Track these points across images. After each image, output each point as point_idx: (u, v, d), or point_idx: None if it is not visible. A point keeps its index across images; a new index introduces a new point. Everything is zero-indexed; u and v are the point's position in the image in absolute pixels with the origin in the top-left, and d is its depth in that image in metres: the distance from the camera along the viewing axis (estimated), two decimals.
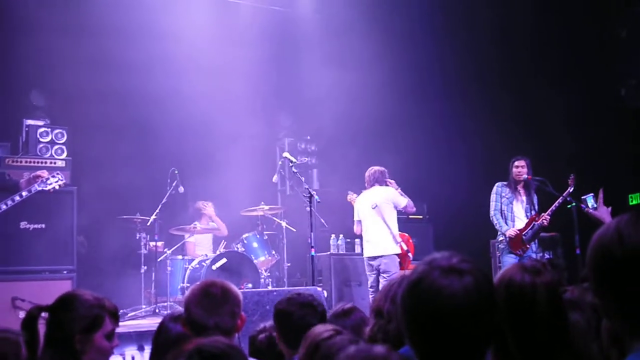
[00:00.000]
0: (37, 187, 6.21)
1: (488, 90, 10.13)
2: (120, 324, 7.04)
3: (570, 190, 7.70)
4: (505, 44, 9.83)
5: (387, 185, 8.28)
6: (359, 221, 8.25)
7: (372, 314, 2.75)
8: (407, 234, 8.39)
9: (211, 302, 2.89)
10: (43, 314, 2.71)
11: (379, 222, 8.06)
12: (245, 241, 8.93)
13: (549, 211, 7.81)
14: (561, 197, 7.73)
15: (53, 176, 6.30)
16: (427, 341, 1.65)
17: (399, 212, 8.38)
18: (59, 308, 2.75)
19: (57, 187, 6.35)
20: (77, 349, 2.68)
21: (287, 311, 3.22)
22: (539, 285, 2.03)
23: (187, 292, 3.05)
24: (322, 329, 2.48)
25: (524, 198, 8.00)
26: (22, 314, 6.81)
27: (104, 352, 2.76)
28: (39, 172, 6.41)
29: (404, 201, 8.19)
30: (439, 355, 1.64)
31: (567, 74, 9.49)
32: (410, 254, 8.17)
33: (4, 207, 6.06)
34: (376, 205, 8.09)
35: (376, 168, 8.36)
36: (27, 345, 2.59)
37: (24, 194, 6.15)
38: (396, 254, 7.96)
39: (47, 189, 6.27)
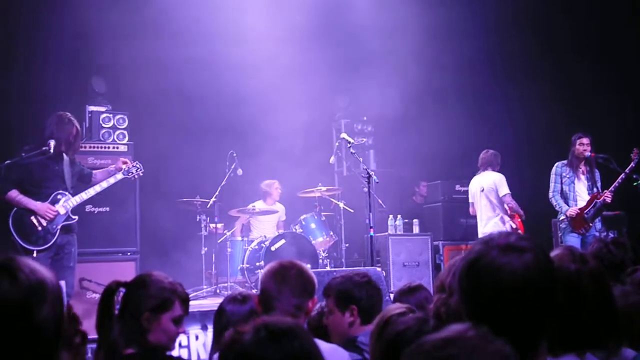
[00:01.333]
0: (121, 176, 6.56)
1: (546, 66, 9.89)
2: None
3: (633, 165, 7.50)
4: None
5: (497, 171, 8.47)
6: (472, 203, 8.59)
7: (435, 289, 2.75)
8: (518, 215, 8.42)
9: (283, 279, 2.96)
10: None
11: (487, 206, 8.31)
12: (303, 222, 8.99)
13: (611, 188, 7.65)
14: (623, 173, 7.55)
15: (134, 166, 6.67)
16: (486, 320, 1.62)
17: (459, 192, 8.49)
18: (134, 285, 2.86)
19: (136, 177, 6.77)
20: (145, 327, 2.76)
21: (349, 286, 3.22)
22: (585, 272, 2.00)
23: (265, 268, 3.11)
24: (395, 306, 2.50)
25: (586, 176, 7.83)
26: (89, 294, 7.05)
27: (169, 335, 2.83)
28: (121, 160, 6.71)
29: (504, 191, 8.26)
30: (498, 334, 1.63)
31: (625, 46, 9.21)
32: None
33: (92, 192, 6.40)
34: (483, 189, 8.34)
35: (491, 151, 8.54)
36: (101, 315, 2.70)
37: (112, 180, 6.51)
38: None
39: (129, 177, 6.64)
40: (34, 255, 6.01)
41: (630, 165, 7.54)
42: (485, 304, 1.66)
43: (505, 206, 8.23)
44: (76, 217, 6.31)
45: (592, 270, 2.04)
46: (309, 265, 8.16)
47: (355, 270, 3.55)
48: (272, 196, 9.62)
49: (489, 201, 8.28)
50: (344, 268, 8.18)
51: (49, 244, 6.10)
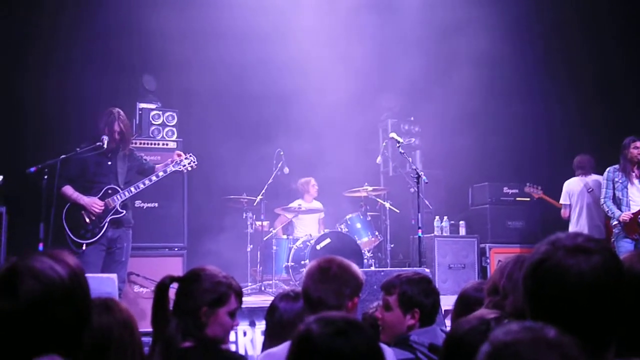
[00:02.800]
0: (172, 168, 6.58)
1: (596, 68, 9.67)
2: None
3: None
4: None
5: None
6: (565, 205, 8.59)
7: (487, 292, 2.72)
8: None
9: (321, 276, 2.95)
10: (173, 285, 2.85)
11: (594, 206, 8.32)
12: (348, 222, 8.98)
13: None
14: None
15: (186, 157, 6.66)
16: (551, 322, 1.60)
17: (507, 194, 8.47)
18: (189, 280, 2.89)
19: (189, 169, 6.72)
20: (202, 321, 2.79)
21: (414, 290, 3.22)
22: None
23: (310, 262, 3.12)
24: (486, 312, 2.47)
25: (639, 180, 7.65)
26: (137, 288, 7.17)
27: (226, 327, 2.86)
28: (176, 153, 6.79)
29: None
30: (570, 329, 1.60)
31: None
32: None
33: (141, 186, 6.46)
34: (592, 189, 8.35)
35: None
36: (156, 309, 2.73)
37: (161, 174, 6.55)
38: None
39: (180, 169, 6.63)
40: (83, 248, 6.16)
41: None
42: (551, 305, 1.64)
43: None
44: (124, 212, 6.39)
45: None
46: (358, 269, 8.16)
47: (416, 271, 3.52)
48: (310, 193, 9.64)
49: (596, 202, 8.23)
50: (389, 268, 8.15)
51: (97, 237, 6.23)
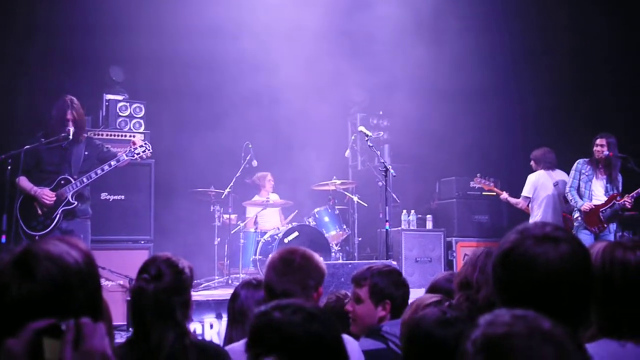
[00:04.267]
0: (125, 157, 6.34)
1: (575, 64, 9.80)
2: (196, 293, 7.25)
3: None
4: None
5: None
6: (527, 198, 8.53)
7: (457, 286, 2.74)
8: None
9: (285, 268, 2.93)
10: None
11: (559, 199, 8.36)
12: (316, 215, 9.00)
13: (633, 193, 7.54)
14: None
15: (141, 146, 6.42)
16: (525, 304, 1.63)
17: (473, 189, 8.58)
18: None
19: (143, 157, 6.46)
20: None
21: (385, 282, 3.22)
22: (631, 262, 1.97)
23: (271, 255, 3.10)
24: (429, 296, 2.50)
25: (605, 176, 7.77)
26: (102, 282, 7.08)
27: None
28: (133, 140, 6.61)
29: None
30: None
31: None
32: None
33: (93, 175, 6.26)
34: (557, 183, 8.37)
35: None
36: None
37: (113, 163, 6.30)
38: None
39: (134, 157, 6.41)
40: (36, 240, 6.05)
41: None
42: (520, 292, 1.68)
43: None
44: (75, 203, 6.22)
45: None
46: (320, 259, 8.20)
47: (386, 263, 3.52)
48: (266, 188, 9.59)
49: (561, 197, 8.33)
50: (356, 261, 8.18)
51: (48, 229, 6.12)
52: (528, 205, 8.51)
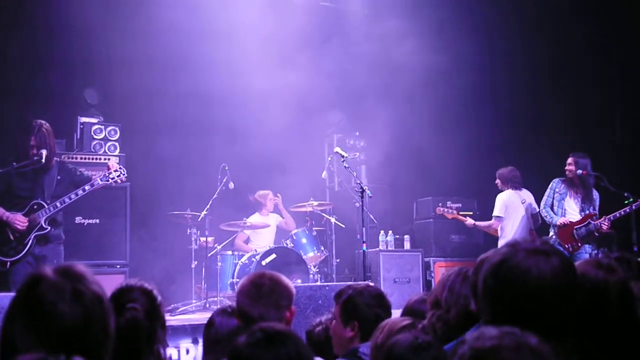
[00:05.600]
0: (99, 181, 6.26)
1: (553, 87, 9.95)
2: (173, 317, 7.18)
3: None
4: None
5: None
6: (500, 217, 8.39)
7: (429, 305, 2.73)
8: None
9: (257, 293, 2.95)
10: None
11: (529, 220, 8.37)
12: (294, 237, 8.97)
13: (611, 216, 7.60)
14: (628, 208, 7.47)
15: (115, 170, 6.34)
16: (510, 321, 1.62)
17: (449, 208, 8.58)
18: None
19: (118, 181, 6.38)
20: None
21: (357, 302, 3.19)
22: (613, 283, 1.99)
23: (240, 281, 3.09)
24: (401, 319, 2.49)
25: (580, 195, 7.83)
26: None
27: None
28: (108, 164, 6.51)
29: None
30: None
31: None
32: None
33: (67, 200, 6.16)
34: (525, 201, 8.39)
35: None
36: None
37: (87, 187, 6.21)
38: None
39: (109, 182, 6.32)
40: (7, 266, 5.94)
41: (638, 202, 7.48)
42: (511, 303, 1.69)
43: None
44: (48, 228, 6.13)
45: (619, 280, 2.04)
46: (299, 281, 8.18)
47: (368, 284, 3.50)
48: (267, 207, 9.59)
49: (529, 216, 8.35)
50: (334, 283, 8.15)
51: (20, 255, 6.00)
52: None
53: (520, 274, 1.70)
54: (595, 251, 7.98)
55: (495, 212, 8.40)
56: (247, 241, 9.48)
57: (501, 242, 8.18)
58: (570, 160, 7.81)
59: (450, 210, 8.71)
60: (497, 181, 8.55)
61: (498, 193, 8.57)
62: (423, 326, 2.40)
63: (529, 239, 1.80)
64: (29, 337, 1.55)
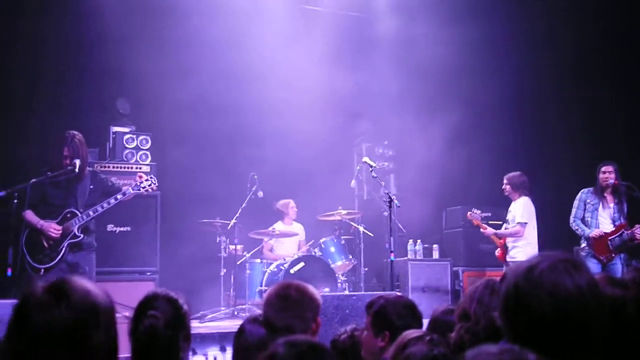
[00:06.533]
0: (131, 191, 6.42)
1: (575, 94, 9.84)
2: (201, 325, 7.24)
3: None
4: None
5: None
6: (526, 224, 8.10)
7: (457, 317, 2.73)
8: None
9: (283, 304, 2.96)
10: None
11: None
12: (322, 245, 8.99)
13: None
14: None
15: (147, 179, 6.51)
16: (534, 341, 1.59)
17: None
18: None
19: (149, 190, 6.54)
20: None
21: (389, 312, 3.20)
22: (629, 299, 1.95)
23: (266, 291, 3.11)
24: (412, 332, 2.50)
25: (612, 205, 7.71)
26: None
27: None
28: (139, 174, 6.66)
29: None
30: (550, 353, 1.58)
31: None
32: None
33: (100, 209, 6.31)
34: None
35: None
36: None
37: (119, 196, 6.37)
38: None
39: (140, 191, 6.48)
40: (41, 273, 6.07)
41: None
42: (536, 323, 1.63)
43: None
44: (81, 236, 6.26)
45: (635, 296, 1.99)
46: (327, 290, 8.19)
47: (399, 295, 3.51)
48: (289, 216, 9.66)
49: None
50: (362, 292, 8.15)
51: (54, 262, 6.16)
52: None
53: (554, 279, 1.65)
54: (628, 261, 7.88)
55: (522, 219, 8.07)
56: (271, 250, 9.54)
57: (524, 247, 8.00)
58: (607, 168, 7.67)
59: (476, 216, 8.51)
60: (507, 187, 8.27)
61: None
62: (431, 338, 2.40)
63: (553, 255, 1.74)
64: (24, 352, 1.57)
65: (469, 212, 8.61)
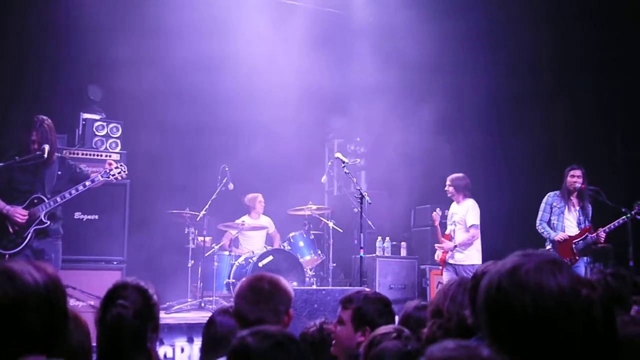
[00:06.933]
0: (100, 178, 6.30)
1: (547, 100, 9.96)
2: (168, 315, 7.20)
3: (636, 216, 7.48)
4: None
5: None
6: (478, 226, 8.00)
7: (430, 314, 2.76)
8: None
9: (255, 297, 2.96)
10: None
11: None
12: (291, 240, 9.00)
13: (606, 227, 7.60)
14: (622, 220, 7.51)
15: (116, 167, 6.37)
16: (517, 339, 1.60)
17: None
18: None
19: (119, 178, 6.41)
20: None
21: (370, 308, 3.23)
22: (595, 300, 1.98)
23: (239, 283, 3.11)
24: (384, 328, 2.52)
25: (577, 208, 7.83)
26: (73, 302, 7.00)
27: None
28: (109, 161, 6.53)
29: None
30: (531, 354, 1.59)
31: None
32: None
33: (67, 195, 6.19)
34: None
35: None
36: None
37: (88, 183, 6.24)
38: None
39: (109, 179, 6.36)
40: (6, 258, 5.96)
41: (632, 213, 7.48)
42: (518, 324, 1.63)
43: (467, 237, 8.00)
44: (48, 222, 6.14)
45: (601, 297, 2.01)
46: (295, 284, 8.20)
47: (377, 292, 3.55)
48: (256, 210, 9.64)
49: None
50: (330, 287, 8.18)
51: (19, 248, 6.03)
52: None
53: (537, 279, 1.64)
54: (591, 265, 7.99)
55: (475, 221, 7.97)
56: (235, 243, 9.51)
57: (470, 250, 7.94)
58: (576, 172, 7.77)
59: (437, 217, 8.37)
60: (450, 188, 8.14)
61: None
62: (404, 333, 2.42)
63: (536, 253, 1.73)
64: None
65: (434, 212, 8.59)
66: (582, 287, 1.68)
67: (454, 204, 8.24)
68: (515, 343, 1.60)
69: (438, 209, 8.48)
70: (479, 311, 1.73)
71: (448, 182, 8.19)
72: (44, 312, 1.64)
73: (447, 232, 8.23)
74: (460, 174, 8.20)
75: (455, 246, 7.97)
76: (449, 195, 8.23)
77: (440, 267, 8.28)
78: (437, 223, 8.36)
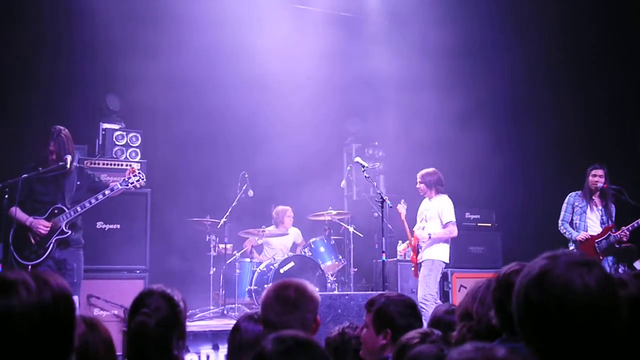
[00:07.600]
0: (119, 186, 6.32)
1: (565, 97, 9.88)
2: (191, 323, 7.21)
3: None
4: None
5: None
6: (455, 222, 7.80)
7: (458, 317, 2.74)
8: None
9: (282, 306, 2.93)
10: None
11: None
12: (312, 245, 8.99)
13: (629, 226, 7.51)
14: None
15: (134, 175, 6.39)
16: (555, 336, 1.61)
17: (469, 220, 8.32)
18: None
19: (137, 186, 6.42)
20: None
21: (391, 310, 3.20)
22: (624, 298, 1.96)
23: (264, 291, 3.09)
24: (413, 332, 2.50)
25: (600, 208, 7.76)
26: (96, 311, 7.05)
27: None
28: (128, 171, 6.53)
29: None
30: (566, 351, 1.60)
31: None
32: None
33: (87, 205, 6.23)
34: None
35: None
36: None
37: (107, 192, 6.26)
38: None
39: (128, 187, 6.37)
40: (28, 270, 5.99)
41: None
42: (559, 317, 1.64)
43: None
44: (69, 232, 6.18)
45: (631, 295, 2.00)
46: (317, 290, 8.15)
47: (401, 294, 3.53)
48: (284, 224, 9.59)
49: None
50: (353, 292, 8.14)
51: (41, 259, 6.08)
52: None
53: (564, 285, 1.65)
54: (616, 266, 7.90)
55: (452, 217, 7.75)
56: (258, 250, 9.50)
57: (441, 246, 7.73)
58: (598, 171, 7.70)
59: (404, 210, 8.08)
60: (421, 185, 7.89)
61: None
62: (434, 335, 2.41)
63: (567, 251, 1.76)
64: None
65: (398, 204, 8.14)
66: (611, 286, 1.67)
67: (425, 200, 7.97)
68: (547, 344, 1.60)
69: (402, 201, 8.19)
70: (518, 313, 1.74)
71: (419, 179, 7.93)
72: (36, 324, 1.63)
73: (414, 228, 7.98)
74: (431, 169, 7.93)
75: (430, 235, 7.69)
76: (421, 192, 7.96)
77: (413, 268, 8.03)
78: (403, 217, 8.09)
